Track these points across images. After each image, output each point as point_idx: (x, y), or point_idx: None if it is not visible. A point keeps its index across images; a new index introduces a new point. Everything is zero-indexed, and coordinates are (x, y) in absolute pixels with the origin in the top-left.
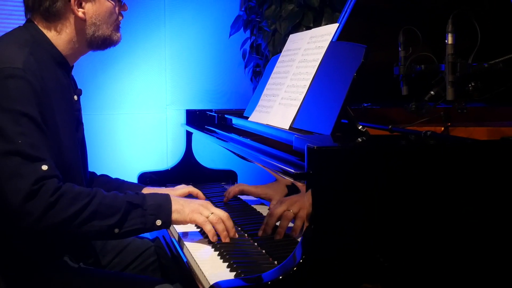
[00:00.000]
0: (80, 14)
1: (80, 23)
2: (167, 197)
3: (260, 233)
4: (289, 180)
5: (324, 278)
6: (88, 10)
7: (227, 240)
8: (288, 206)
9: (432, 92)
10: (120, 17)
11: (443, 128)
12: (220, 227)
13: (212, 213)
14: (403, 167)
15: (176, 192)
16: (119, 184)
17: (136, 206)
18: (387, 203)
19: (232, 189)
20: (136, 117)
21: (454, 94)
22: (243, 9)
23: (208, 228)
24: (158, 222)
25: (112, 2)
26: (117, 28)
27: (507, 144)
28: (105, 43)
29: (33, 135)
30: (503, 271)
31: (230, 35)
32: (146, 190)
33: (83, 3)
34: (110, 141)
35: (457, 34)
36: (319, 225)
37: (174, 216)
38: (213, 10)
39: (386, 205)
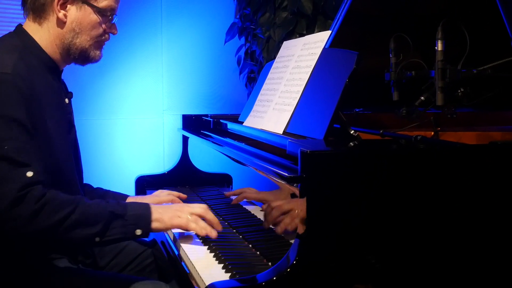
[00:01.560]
0: (60, 15)
1: (60, 24)
2: (147, 207)
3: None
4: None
5: (317, 279)
6: (70, 14)
7: (213, 233)
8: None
9: (422, 98)
10: (106, 36)
11: (433, 133)
12: (202, 223)
13: (191, 214)
14: (394, 171)
15: (159, 199)
16: (102, 194)
17: (117, 216)
18: (378, 205)
19: (237, 199)
20: (134, 122)
21: (444, 100)
22: (238, 16)
23: (193, 226)
24: (138, 232)
25: (99, 17)
26: (98, 46)
27: (495, 148)
28: (82, 56)
29: (21, 140)
30: (492, 270)
31: (225, 42)
32: (131, 198)
33: (68, 6)
34: (108, 145)
35: (447, 41)
36: (312, 227)
37: (155, 225)
38: (209, 17)
39: (377, 208)
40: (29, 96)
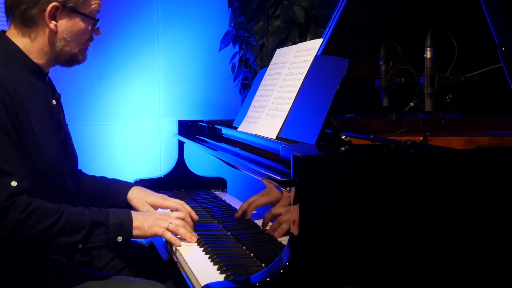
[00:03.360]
0: (51, 26)
1: (52, 35)
2: (128, 215)
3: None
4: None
5: (309, 280)
6: (61, 24)
7: (194, 240)
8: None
9: (411, 104)
10: (92, 38)
11: (422, 138)
12: (181, 231)
13: (171, 222)
14: (384, 175)
15: (166, 203)
16: (108, 184)
17: (100, 225)
18: (369, 208)
19: (249, 210)
20: (131, 128)
21: (433, 106)
22: (232, 25)
23: (168, 236)
24: (119, 239)
25: (86, 23)
26: (85, 49)
27: (482, 152)
28: (71, 60)
29: (3, 148)
30: (480, 270)
31: (220, 50)
32: (137, 190)
33: (58, 17)
34: (106, 150)
35: (435, 49)
36: (305, 229)
37: (135, 232)
38: (204, 26)
39: (368, 211)
40: (11, 101)
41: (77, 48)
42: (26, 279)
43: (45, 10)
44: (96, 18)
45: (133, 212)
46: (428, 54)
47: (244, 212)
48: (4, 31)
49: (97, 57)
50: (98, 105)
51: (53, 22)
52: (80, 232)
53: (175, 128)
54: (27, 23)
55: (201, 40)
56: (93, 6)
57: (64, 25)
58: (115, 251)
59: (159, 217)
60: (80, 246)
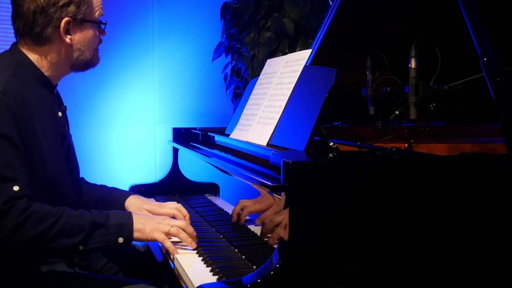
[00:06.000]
0: (67, 40)
1: (67, 48)
2: (129, 216)
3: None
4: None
5: (299, 281)
6: (74, 37)
7: (194, 245)
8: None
9: (397, 112)
10: (100, 40)
11: (407, 145)
12: (182, 236)
13: (172, 226)
14: (370, 181)
15: (162, 210)
16: (108, 193)
17: (99, 226)
18: (356, 212)
19: (242, 216)
20: (127, 135)
21: (417, 114)
22: (224, 36)
23: (168, 245)
24: (120, 240)
25: (95, 29)
26: (97, 51)
27: (465, 159)
28: (86, 65)
29: (8, 155)
30: (466, 272)
31: (213, 60)
32: (134, 198)
33: (71, 30)
34: (103, 156)
35: (420, 59)
36: (294, 232)
37: (136, 235)
38: (198, 37)
39: (355, 214)
40: (19, 112)
41: (91, 54)
42: (24, 281)
43: (59, 27)
44: (102, 21)
45: (134, 214)
46: (412, 64)
47: (238, 216)
48: (16, 43)
49: (95, 67)
50: (95, 113)
51: (68, 36)
52: (80, 234)
53: (169, 135)
54: (43, 42)
55: (194, 51)
56: (98, 11)
57: (78, 36)
58: (112, 253)
59: (160, 221)
60: (81, 248)
